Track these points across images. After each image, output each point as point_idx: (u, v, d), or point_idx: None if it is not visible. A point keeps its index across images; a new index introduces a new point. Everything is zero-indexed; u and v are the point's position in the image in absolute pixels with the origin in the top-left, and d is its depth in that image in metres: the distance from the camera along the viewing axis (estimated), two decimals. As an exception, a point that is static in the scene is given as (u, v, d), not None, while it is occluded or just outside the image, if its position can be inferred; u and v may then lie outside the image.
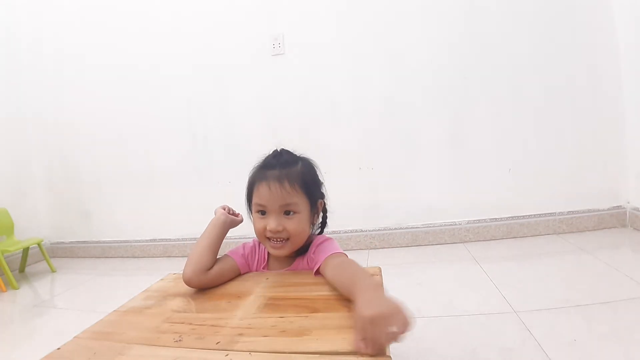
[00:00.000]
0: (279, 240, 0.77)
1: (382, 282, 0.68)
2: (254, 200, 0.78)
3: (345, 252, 0.81)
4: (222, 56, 2.24)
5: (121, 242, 2.52)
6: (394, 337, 0.48)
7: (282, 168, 0.77)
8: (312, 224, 0.83)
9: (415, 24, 2.03)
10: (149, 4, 2.33)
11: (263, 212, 0.78)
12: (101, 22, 2.42)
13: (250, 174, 0.82)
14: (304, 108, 2.15)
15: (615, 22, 1.87)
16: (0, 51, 2.49)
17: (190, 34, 2.28)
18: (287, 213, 0.76)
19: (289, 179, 0.75)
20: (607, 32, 1.88)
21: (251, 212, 0.82)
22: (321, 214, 0.87)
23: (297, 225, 0.77)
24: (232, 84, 2.24)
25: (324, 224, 0.88)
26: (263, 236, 0.79)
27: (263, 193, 0.76)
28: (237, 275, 0.84)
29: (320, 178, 0.84)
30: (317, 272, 0.76)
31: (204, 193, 2.30)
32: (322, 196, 0.85)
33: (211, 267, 0.77)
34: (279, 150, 0.83)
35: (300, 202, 0.77)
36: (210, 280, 0.77)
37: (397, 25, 2.04)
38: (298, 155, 0.84)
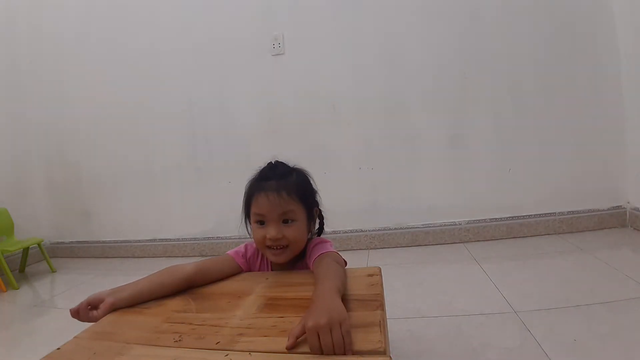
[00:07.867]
0: (279, 247, 0.80)
1: (340, 286, 0.65)
2: (253, 210, 0.81)
3: (341, 252, 0.83)
4: (222, 56, 2.24)
5: (121, 242, 2.51)
6: (339, 345, 0.50)
7: (278, 179, 0.81)
8: (310, 230, 0.86)
9: (415, 24, 2.02)
10: (150, 2, 2.32)
11: (262, 222, 0.81)
12: (101, 22, 2.41)
13: (247, 186, 0.85)
14: (304, 108, 2.15)
15: (616, 23, 1.86)
16: (0, 51, 2.49)
17: (190, 33, 2.27)
18: (285, 222, 0.80)
19: (286, 189, 0.79)
20: (607, 32, 1.88)
21: (249, 223, 0.85)
22: (318, 220, 0.90)
23: (296, 232, 0.80)
24: (233, 84, 2.24)
25: (321, 229, 0.91)
26: (263, 245, 0.81)
27: (262, 203, 0.79)
28: (237, 272, 0.86)
29: (314, 187, 0.88)
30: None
31: (204, 193, 2.30)
32: (317, 204, 0.89)
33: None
34: (273, 162, 0.87)
35: (298, 210, 0.80)
36: (204, 281, 0.80)
37: (398, 25, 2.04)
38: (292, 166, 0.87)
